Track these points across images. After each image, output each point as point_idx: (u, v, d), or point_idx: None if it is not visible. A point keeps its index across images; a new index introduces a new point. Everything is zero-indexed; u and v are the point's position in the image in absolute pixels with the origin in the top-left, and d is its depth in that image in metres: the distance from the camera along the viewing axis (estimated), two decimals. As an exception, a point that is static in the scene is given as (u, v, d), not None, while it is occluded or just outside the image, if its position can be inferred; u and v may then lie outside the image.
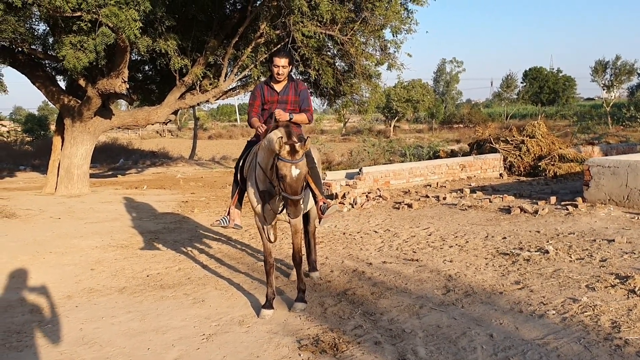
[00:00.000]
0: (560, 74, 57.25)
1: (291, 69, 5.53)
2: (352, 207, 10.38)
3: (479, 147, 16.27)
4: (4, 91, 13.66)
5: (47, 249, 7.58)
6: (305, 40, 11.98)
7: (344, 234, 8.26)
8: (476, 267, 6.20)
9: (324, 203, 5.40)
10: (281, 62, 5.35)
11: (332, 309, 5.07)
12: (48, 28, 12.34)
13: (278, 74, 5.38)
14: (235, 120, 63.46)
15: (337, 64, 14.18)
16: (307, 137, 5.05)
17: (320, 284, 5.82)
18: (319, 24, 11.92)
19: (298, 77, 5.81)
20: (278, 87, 5.50)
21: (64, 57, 9.70)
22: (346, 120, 40.02)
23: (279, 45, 12.73)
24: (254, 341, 4.40)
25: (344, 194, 11.07)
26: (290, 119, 5.29)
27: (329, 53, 13.86)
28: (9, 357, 4.19)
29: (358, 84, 14.39)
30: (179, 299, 5.48)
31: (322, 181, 11.65)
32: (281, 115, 5.20)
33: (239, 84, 14.63)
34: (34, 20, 12.09)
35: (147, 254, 7.42)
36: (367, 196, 11.10)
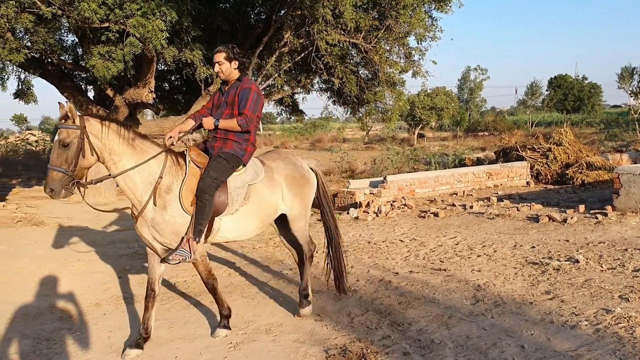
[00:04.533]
0: (586, 81, 56.46)
1: (239, 65, 4.78)
2: (377, 215, 10.32)
3: (505, 155, 16.10)
4: (34, 101, 13.93)
5: (75, 257, 7.66)
6: (329, 49, 11.99)
7: (369, 242, 8.20)
8: (505, 277, 6.10)
9: (180, 249, 4.35)
10: (217, 57, 4.74)
11: (359, 318, 5.03)
12: (77, 39, 12.56)
13: (216, 72, 4.81)
14: (258, 129, 63.85)
15: (360, 72, 14.16)
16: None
17: (346, 293, 5.76)
18: (342, 32, 11.93)
19: (248, 79, 4.93)
20: (227, 89, 4.87)
21: (93, 67, 9.84)
22: (369, 128, 39.90)
23: (303, 54, 12.79)
24: (281, 350, 4.37)
25: (368, 202, 11.02)
26: (216, 125, 4.64)
27: (352, 61, 13.86)
28: (39, 364, 4.23)
29: (382, 91, 14.34)
30: (205, 307, 5.49)
31: (346, 190, 11.68)
32: (206, 122, 4.65)
33: (263, 93, 14.68)
34: (63, 31, 12.32)
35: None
36: (391, 205, 11.03)
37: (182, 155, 4.60)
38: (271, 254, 7.76)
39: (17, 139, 35.21)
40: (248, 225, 4.78)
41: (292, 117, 18.41)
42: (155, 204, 4.32)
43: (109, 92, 12.57)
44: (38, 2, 9.29)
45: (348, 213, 10.50)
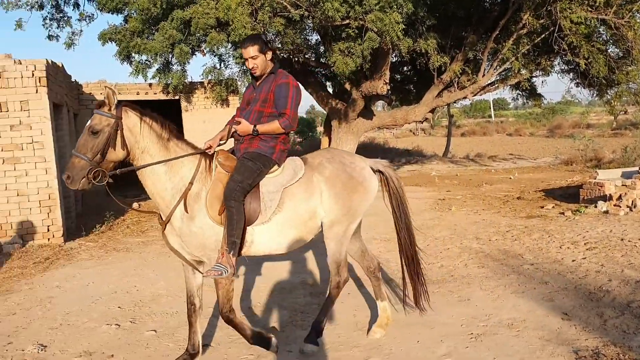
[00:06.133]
0: None
1: (272, 57, 4.29)
2: (631, 210, 9.23)
3: None
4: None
5: (320, 238, 8.28)
6: (573, 27, 11.07)
7: (622, 240, 7.38)
8: None
9: (216, 264, 3.84)
10: (249, 52, 4.16)
11: (613, 321, 4.59)
12: (319, 37, 13.55)
13: (251, 68, 4.24)
14: (489, 116, 61.65)
15: (609, 50, 12.80)
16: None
17: (597, 294, 5.30)
18: (589, 9, 10.92)
19: (283, 71, 4.31)
20: (259, 83, 4.33)
21: (334, 63, 10.53)
22: (618, 112, 35.74)
23: (543, 35, 11.99)
24: (525, 346, 4.21)
25: (620, 195, 9.91)
26: (256, 133, 4.13)
27: (600, 39, 12.58)
28: (295, 334, 4.70)
29: (636, 71, 12.77)
30: (444, 296, 5.53)
31: (593, 181, 10.65)
32: (242, 128, 4.15)
33: (498, 78, 14.18)
34: (307, 31, 13.41)
35: (409, 249, 7.64)
36: (649, 198, 9.77)
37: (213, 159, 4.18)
38: (509, 247, 7.47)
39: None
40: (284, 236, 4.16)
41: (529, 102, 17.45)
42: (186, 211, 3.91)
43: (347, 86, 13.33)
44: (288, 6, 10.23)
45: (595, 206, 9.60)
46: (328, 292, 4.45)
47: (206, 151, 4.12)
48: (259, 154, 4.09)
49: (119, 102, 3.85)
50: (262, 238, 4.09)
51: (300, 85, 4.30)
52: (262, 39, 4.25)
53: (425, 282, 4.72)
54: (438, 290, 5.73)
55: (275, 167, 4.18)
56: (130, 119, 3.85)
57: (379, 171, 4.58)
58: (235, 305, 5.54)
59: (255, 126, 4.10)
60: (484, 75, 13.14)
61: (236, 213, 3.85)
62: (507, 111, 69.20)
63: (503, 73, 13.87)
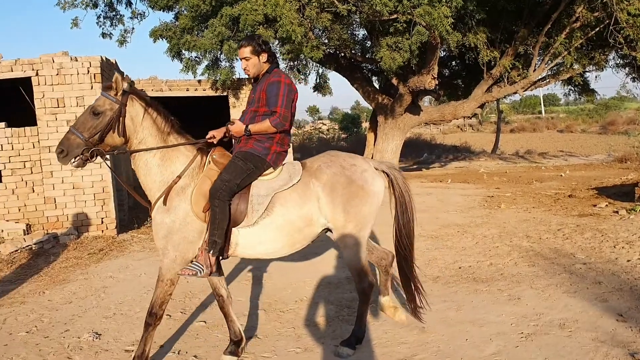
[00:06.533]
0: None
1: (269, 57, 4.18)
2: (691, 209, 8.87)
3: None
4: (330, 93, 15.48)
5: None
6: (630, 20, 10.66)
7: (682, 239, 7.11)
8: None
9: (192, 262, 3.86)
10: (242, 52, 4.13)
11: (672, 324, 4.42)
12: (366, 32, 13.49)
13: (243, 68, 4.20)
14: (540, 112, 60.07)
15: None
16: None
17: (654, 295, 5.12)
18: (650, 0, 10.49)
19: (278, 70, 4.19)
20: (257, 84, 4.26)
21: (381, 59, 10.46)
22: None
23: (597, 29, 11.61)
24: (577, 347, 4.10)
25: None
26: (248, 133, 4.04)
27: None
28: (342, 329, 4.71)
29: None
30: (493, 294, 5.43)
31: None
32: (236, 129, 4.08)
33: (549, 73, 13.82)
34: (354, 26, 13.37)
35: (457, 247, 7.55)
36: None
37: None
38: (560, 246, 7.28)
39: (311, 128, 39.88)
40: (271, 241, 4.01)
41: (581, 98, 16.94)
42: (164, 203, 3.86)
43: (394, 81, 13.22)
44: (335, 2, 10.22)
45: (653, 205, 9.26)
46: (359, 300, 4.32)
47: (209, 140, 4.10)
48: (252, 154, 4.00)
49: (130, 88, 3.88)
50: (246, 241, 3.98)
51: (293, 82, 4.24)
52: (257, 41, 4.13)
53: (421, 292, 4.55)
54: (487, 288, 5.64)
55: (271, 169, 4.08)
56: (135, 108, 3.87)
57: (384, 173, 4.40)
58: (283, 298, 5.61)
59: (247, 126, 4.03)
60: (534, 70, 12.83)
61: (220, 212, 3.77)
62: (558, 107, 67.25)
63: (555, 68, 13.53)
